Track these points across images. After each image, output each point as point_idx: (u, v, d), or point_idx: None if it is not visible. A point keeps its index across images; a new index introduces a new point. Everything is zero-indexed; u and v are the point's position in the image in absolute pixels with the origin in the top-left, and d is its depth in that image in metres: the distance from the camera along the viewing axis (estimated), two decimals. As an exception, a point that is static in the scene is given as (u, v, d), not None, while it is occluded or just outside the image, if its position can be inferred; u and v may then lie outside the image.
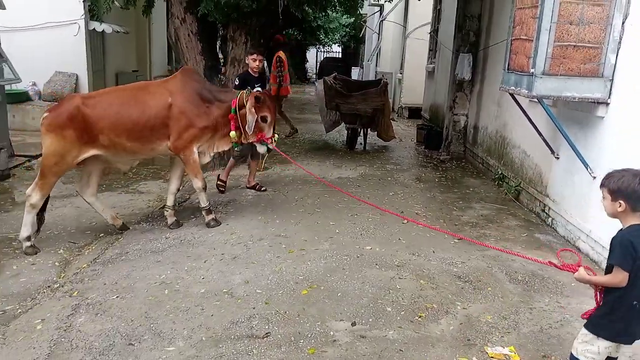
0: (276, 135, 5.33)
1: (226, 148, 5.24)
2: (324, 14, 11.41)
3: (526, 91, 4.38)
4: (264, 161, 6.22)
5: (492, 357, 2.95)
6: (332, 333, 3.14)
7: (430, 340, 3.11)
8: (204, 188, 5.04)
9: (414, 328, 3.24)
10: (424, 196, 6.33)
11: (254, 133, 5.01)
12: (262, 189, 6.29)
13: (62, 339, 3.05)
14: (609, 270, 2.30)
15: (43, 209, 4.64)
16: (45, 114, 4.55)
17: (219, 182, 6.21)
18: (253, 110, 4.87)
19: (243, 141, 5.15)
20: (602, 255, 4.31)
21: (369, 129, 9.36)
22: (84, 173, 4.90)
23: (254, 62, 5.97)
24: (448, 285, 3.85)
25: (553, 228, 5.24)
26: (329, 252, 4.37)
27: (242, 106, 4.95)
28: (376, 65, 18.75)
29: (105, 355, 2.90)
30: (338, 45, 31.23)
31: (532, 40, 4.20)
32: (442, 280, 3.92)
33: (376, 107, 8.78)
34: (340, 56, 31.09)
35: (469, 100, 8.49)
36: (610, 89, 4.31)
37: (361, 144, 9.40)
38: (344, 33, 25.46)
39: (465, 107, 8.54)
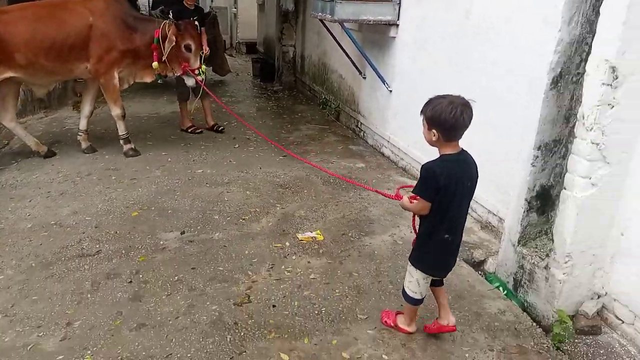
0: (203, 66, 5.27)
1: (148, 80, 5.21)
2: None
3: (329, 16, 4.89)
4: (195, 100, 5.88)
5: (301, 240, 3.54)
6: (161, 242, 3.46)
7: (251, 235, 3.59)
8: (123, 116, 5.09)
9: (238, 228, 3.69)
10: (256, 123, 6.72)
11: (179, 65, 4.99)
12: (220, 128, 6.18)
13: None
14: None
15: None
16: None
17: (190, 129, 6.09)
18: (173, 37, 4.84)
19: (167, 74, 5.11)
20: (398, 157, 5.17)
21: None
22: None
23: None
24: (271, 193, 4.35)
25: (364, 140, 6.04)
26: (160, 179, 4.59)
27: (165, 37, 4.86)
28: (211, 0, 18.22)
29: None
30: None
31: (329, -31, 4.66)
32: (265, 190, 4.42)
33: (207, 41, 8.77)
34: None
35: (295, 31, 8.93)
36: (399, 12, 5.00)
37: (196, 79, 9.39)
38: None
39: (292, 38, 8.98)
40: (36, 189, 4.36)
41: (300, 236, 3.58)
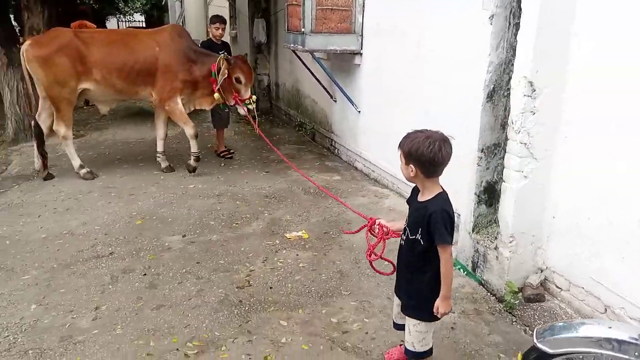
0: (254, 97, 5.70)
1: (207, 107, 5.76)
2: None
3: (301, 47, 5.54)
4: (256, 122, 5.86)
5: (289, 238, 4.07)
6: (167, 244, 3.94)
7: (245, 235, 4.12)
8: (196, 135, 5.62)
9: (232, 231, 4.21)
10: (239, 144, 7.27)
11: (231, 95, 5.47)
12: (229, 155, 6.51)
13: None
14: (413, 243, 2.20)
15: (42, 143, 5.29)
16: (27, 47, 4.92)
17: (222, 153, 6.48)
18: (225, 71, 5.34)
19: (227, 103, 5.62)
20: (370, 169, 5.77)
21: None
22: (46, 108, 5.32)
23: (216, 31, 6.24)
24: (258, 202, 4.88)
25: (338, 156, 6.65)
26: (156, 193, 5.07)
27: (219, 70, 5.38)
28: (183, 34, 18.83)
29: (-38, 292, 3.27)
30: (141, 14, 30.01)
31: (301, 5, 5.32)
32: (253, 199, 4.95)
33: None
34: (144, 25, 30.04)
35: (268, 60, 9.60)
36: (362, 42, 5.68)
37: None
38: (145, 1, 24.67)
39: (266, 67, 9.64)
40: (42, 206, 4.78)
41: (288, 235, 4.12)
